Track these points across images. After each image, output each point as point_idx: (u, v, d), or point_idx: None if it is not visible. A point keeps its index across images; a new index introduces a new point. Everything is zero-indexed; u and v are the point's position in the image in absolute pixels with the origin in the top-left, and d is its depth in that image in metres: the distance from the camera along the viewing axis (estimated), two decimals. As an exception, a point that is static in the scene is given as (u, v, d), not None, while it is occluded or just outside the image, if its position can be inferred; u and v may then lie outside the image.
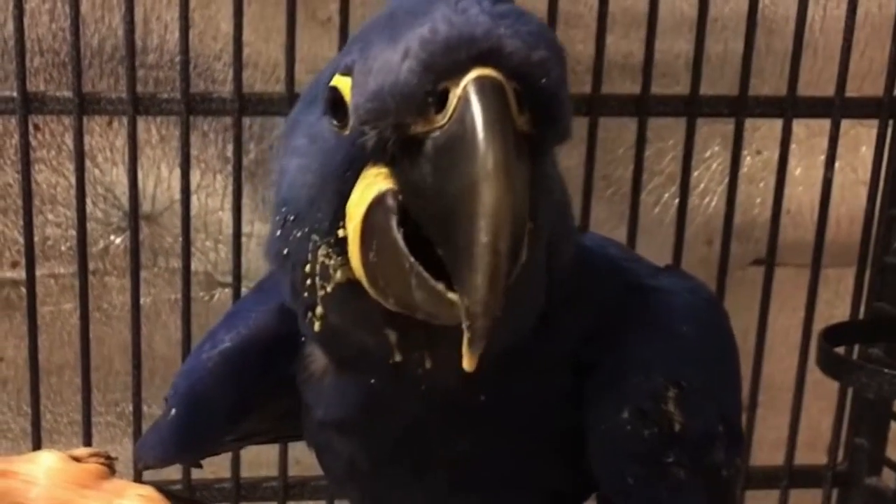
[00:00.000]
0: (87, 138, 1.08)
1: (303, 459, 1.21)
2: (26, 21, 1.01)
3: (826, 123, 1.08)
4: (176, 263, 1.16)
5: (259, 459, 1.19)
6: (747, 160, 1.21)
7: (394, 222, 0.51)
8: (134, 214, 1.04)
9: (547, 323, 0.59)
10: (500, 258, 0.47)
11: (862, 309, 1.13)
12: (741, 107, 1.06)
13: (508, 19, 0.50)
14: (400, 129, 0.50)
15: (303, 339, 0.66)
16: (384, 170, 0.52)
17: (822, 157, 1.10)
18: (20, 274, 1.11)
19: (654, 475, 0.62)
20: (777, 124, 1.08)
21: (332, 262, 0.55)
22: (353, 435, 0.65)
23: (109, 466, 0.70)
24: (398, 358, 0.56)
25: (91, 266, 1.13)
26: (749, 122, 1.11)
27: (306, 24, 1.12)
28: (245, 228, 1.16)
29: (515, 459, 0.65)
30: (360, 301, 0.55)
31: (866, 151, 1.11)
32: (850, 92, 1.09)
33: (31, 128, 1.05)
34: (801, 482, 1.17)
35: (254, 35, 1.12)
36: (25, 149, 1.01)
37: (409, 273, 0.51)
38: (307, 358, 0.66)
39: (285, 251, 0.59)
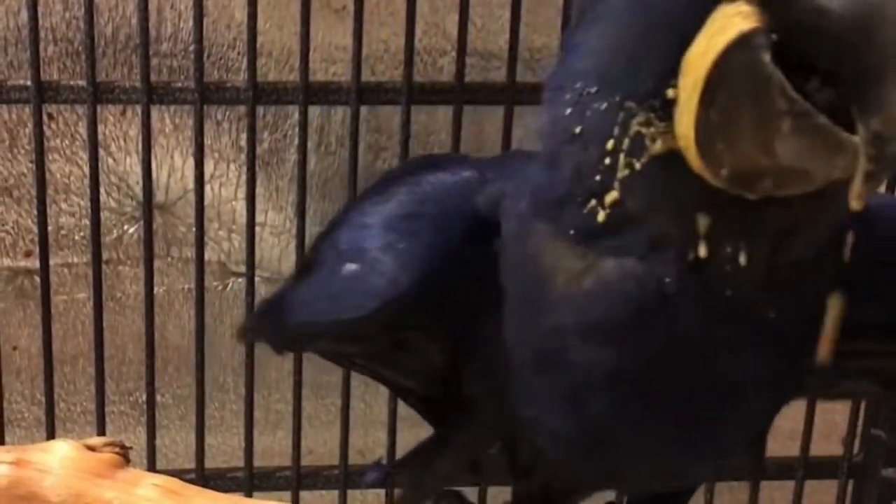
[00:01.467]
0: (100, 127, 1.08)
1: (315, 449, 1.21)
2: (40, 10, 1.01)
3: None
4: (189, 253, 1.16)
5: (272, 449, 1.20)
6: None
7: (768, 58, 0.46)
8: (148, 204, 1.04)
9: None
10: None
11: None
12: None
13: None
14: None
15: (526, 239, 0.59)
16: (746, 7, 0.47)
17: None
18: (34, 263, 1.11)
19: None
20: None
21: (651, 129, 0.51)
22: (608, 346, 0.58)
23: (124, 456, 0.70)
24: (702, 252, 0.52)
25: (105, 255, 1.13)
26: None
27: (321, 13, 1.12)
28: (259, 218, 1.16)
29: (757, 398, 0.61)
30: (676, 177, 0.51)
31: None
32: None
33: (44, 117, 1.05)
34: (816, 473, 1.17)
35: (268, 23, 1.12)
36: (39, 138, 1.01)
37: (781, 116, 0.46)
38: (549, 261, 0.59)
39: (577, 129, 0.54)
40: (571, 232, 0.56)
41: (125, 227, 1.18)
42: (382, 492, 1.16)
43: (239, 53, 1.13)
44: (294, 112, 1.04)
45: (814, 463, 1.16)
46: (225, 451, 1.26)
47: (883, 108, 0.45)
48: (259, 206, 1.09)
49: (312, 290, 0.68)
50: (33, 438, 1.15)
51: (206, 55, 1.06)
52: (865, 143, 0.45)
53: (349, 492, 1.13)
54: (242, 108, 1.04)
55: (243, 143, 1.07)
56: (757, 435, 0.68)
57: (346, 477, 1.12)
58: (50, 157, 1.13)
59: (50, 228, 1.07)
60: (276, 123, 1.17)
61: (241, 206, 1.13)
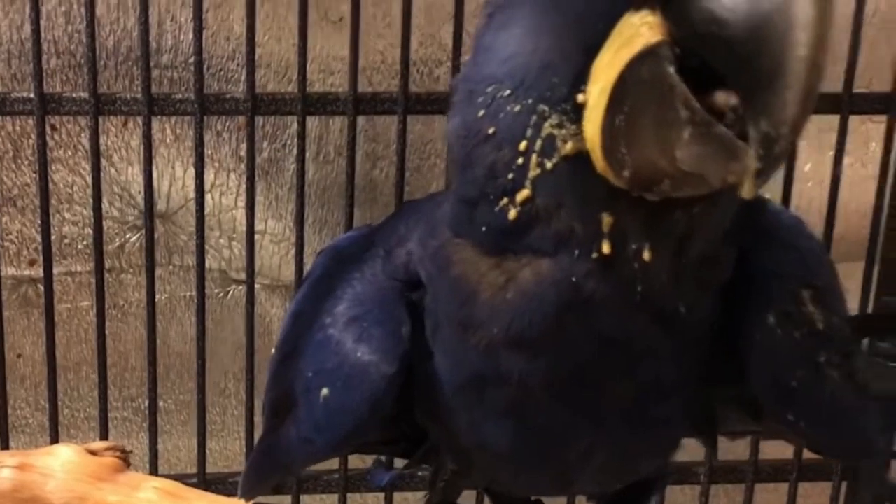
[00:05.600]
0: (102, 138, 1.10)
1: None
2: (43, 23, 1.02)
3: (835, 119, 1.08)
4: (191, 261, 1.18)
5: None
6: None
7: (671, 69, 0.49)
8: (149, 213, 1.05)
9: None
10: (818, 75, 0.47)
11: (871, 303, 1.14)
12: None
13: None
14: None
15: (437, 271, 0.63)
16: (650, 17, 0.50)
17: (832, 153, 1.10)
18: (38, 272, 1.13)
19: (812, 378, 0.63)
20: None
21: (562, 131, 0.53)
22: (536, 352, 0.60)
23: (125, 460, 0.71)
24: (606, 249, 0.55)
25: (107, 264, 1.14)
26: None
27: (318, 25, 1.13)
28: (259, 226, 1.18)
29: (683, 387, 0.64)
30: (584, 177, 0.53)
31: (876, 147, 1.11)
32: (860, 88, 1.09)
33: (48, 128, 1.06)
34: (810, 475, 1.17)
35: (266, 35, 1.14)
36: (42, 149, 1.03)
37: (681, 125, 0.49)
38: (474, 279, 0.61)
39: (490, 130, 0.56)
40: (484, 230, 0.59)
41: (127, 235, 1.20)
42: (382, 495, 1.18)
43: (238, 65, 1.15)
44: (293, 122, 1.05)
45: (808, 465, 1.16)
46: (227, 455, 1.27)
47: (771, 112, 0.47)
48: (259, 214, 1.10)
49: (301, 429, 0.70)
50: (37, 444, 1.16)
51: (206, 67, 1.07)
52: (755, 143, 0.48)
53: (349, 495, 1.14)
54: (242, 119, 1.06)
55: (243, 152, 1.09)
56: (703, 420, 0.70)
57: (347, 481, 1.13)
58: (53, 168, 1.15)
59: (53, 238, 1.08)
60: (276, 133, 1.18)
61: (241, 215, 1.15)
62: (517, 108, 0.55)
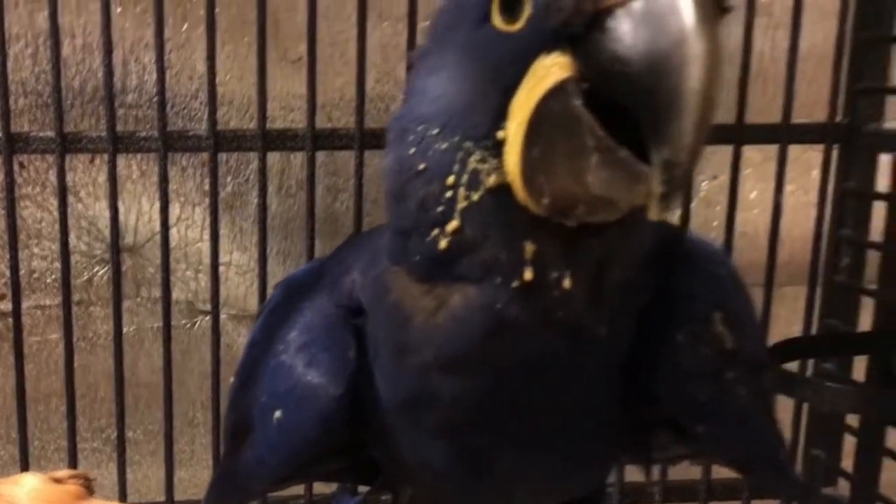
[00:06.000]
0: (70, 175, 1.12)
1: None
2: (10, 65, 1.05)
3: (777, 149, 1.13)
4: (158, 293, 1.20)
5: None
6: (704, 185, 1.26)
7: (578, 102, 0.54)
8: (115, 247, 1.07)
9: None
10: (710, 105, 0.51)
11: (815, 325, 1.18)
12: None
13: None
14: (593, 2, 0.53)
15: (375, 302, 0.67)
16: (561, 58, 0.54)
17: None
18: (7, 306, 1.14)
19: (719, 392, 0.66)
20: (731, 150, 1.13)
21: (485, 166, 0.58)
22: (466, 374, 0.64)
23: (88, 487, 0.74)
24: (529, 275, 0.58)
25: (76, 297, 1.16)
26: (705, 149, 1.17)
27: (278, 64, 1.17)
28: (224, 258, 1.20)
29: (605, 406, 0.68)
30: (507, 208, 0.57)
31: (818, 175, 1.15)
32: (801, 118, 1.13)
33: (16, 166, 1.09)
34: (761, 493, 1.20)
35: (228, 75, 1.17)
36: (10, 186, 1.05)
37: (590, 152, 0.53)
38: (408, 305, 0.64)
39: (421, 166, 0.60)
40: (417, 259, 0.63)
41: (95, 269, 1.22)
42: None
43: (201, 103, 1.18)
44: (255, 158, 1.07)
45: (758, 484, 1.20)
46: (196, 483, 1.29)
47: (670, 140, 0.51)
48: (224, 246, 1.12)
49: (256, 450, 0.73)
50: (8, 475, 1.18)
51: (170, 105, 1.10)
52: (658, 169, 0.52)
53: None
54: (206, 155, 1.09)
55: (207, 187, 1.11)
56: (637, 443, 0.75)
57: (311, 506, 1.15)
58: (21, 204, 1.17)
59: (22, 272, 1.10)
60: (239, 168, 1.21)
61: (206, 247, 1.17)
62: (445, 145, 0.59)
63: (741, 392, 0.67)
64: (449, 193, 0.60)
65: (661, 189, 0.52)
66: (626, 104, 0.53)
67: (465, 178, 0.59)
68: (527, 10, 0.56)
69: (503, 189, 0.57)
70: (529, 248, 0.58)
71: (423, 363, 0.64)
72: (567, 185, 0.55)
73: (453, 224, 0.60)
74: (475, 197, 0.59)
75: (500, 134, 0.57)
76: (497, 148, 0.57)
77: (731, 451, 0.70)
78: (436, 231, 0.61)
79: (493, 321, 0.60)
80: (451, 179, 0.59)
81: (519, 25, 0.57)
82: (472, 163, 0.58)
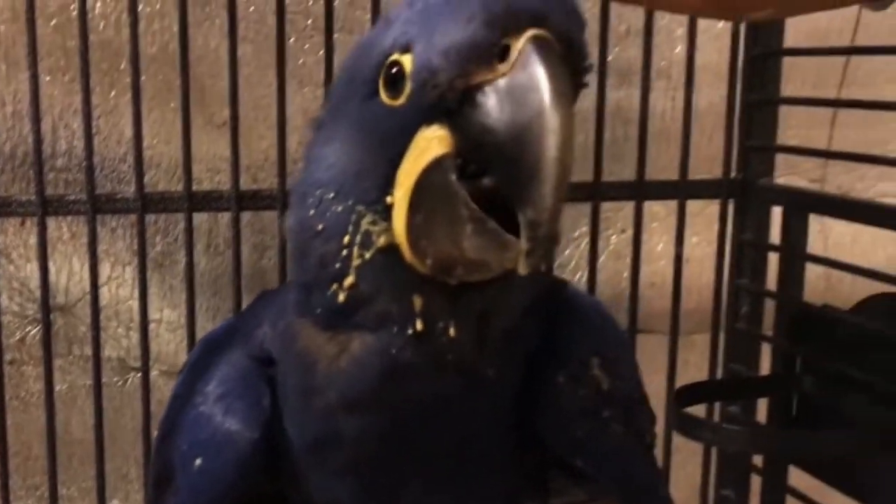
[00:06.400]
0: (1, 237, 1.16)
1: None
2: (-57, 133, 1.09)
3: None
4: (90, 351, 1.21)
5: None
6: (613, 238, 1.32)
7: (453, 177, 0.59)
8: (46, 307, 1.10)
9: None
10: (566, 171, 0.57)
11: (719, 370, 1.23)
12: (596, 191, 1.17)
13: None
14: (464, 79, 0.59)
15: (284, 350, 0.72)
16: (440, 132, 0.60)
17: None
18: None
19: (597, 429, 0.72)
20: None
21: (376, 228, 0.63)
22: (367, 414, 0.68)
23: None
24: (419, 326, 0.63)
25: (8, 356, 1.19)
26: (613, 204, 1.24)
27: (204, 128, 1.22)
28: (154, 315, 1.24)
29: (499, 446, 0.73)
30: (396, 266, 0.62)
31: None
32: (702, 174, 1.21)
33: (-52, 230, 1.12)
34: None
35: (155, 139, 1.22)
36: (-58, 249, 1.08)
37: (464, 222, 0.59)
38: (314, 351, 0.69)
39: (319, 227, 0.66)
40: (319, 311, 0.68)
41: (27, 328, 1.25)
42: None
43: (129, 166, 1.21)
44: (180, 219, 1.11)
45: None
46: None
47: (533, 202, 0.58)
48: (154, 304, 1.16)
49: (179, 497, 0.76)
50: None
51: (98, 169, 1.14)
52: (524, 227, 0.58)
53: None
54: (134, 216, 1.11)
55: (137, 247, 1.14)
56: (536, 485, 0.79)
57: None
58: (-46, 267, 1.20)
59: (-45, 333, 1.12)
60: (167, 228, 1.25)
61: (137, 306, 1.20)
62: (340, 208, 0.65)
63: (617, 429, 0.73)
64: (344, 252, 0.65)
65: (527, 246, 0.58)
66: (493, 172, 0.59)
67: (358, 238, 0.64)
68: (408, 87, 0.62)
69: (392, 249, 0.63)
70: (418, 301, 0.63)
71: (328, 405, 0.69)
72: (446, 249, 0.61)
73: (349, 280, 0.65)
74: (367, 255, 0.64)
75: (388, 199, 0.63)
76: (386, 211, 0.63)
77: (611, 484, 0.75)
78: (334, 286, 0.66)
79: (390, 364, 0.65)
80: (346, 239, 0.65)
81: (402, 101, 0.63)
82: (365, 224, 0.64)
